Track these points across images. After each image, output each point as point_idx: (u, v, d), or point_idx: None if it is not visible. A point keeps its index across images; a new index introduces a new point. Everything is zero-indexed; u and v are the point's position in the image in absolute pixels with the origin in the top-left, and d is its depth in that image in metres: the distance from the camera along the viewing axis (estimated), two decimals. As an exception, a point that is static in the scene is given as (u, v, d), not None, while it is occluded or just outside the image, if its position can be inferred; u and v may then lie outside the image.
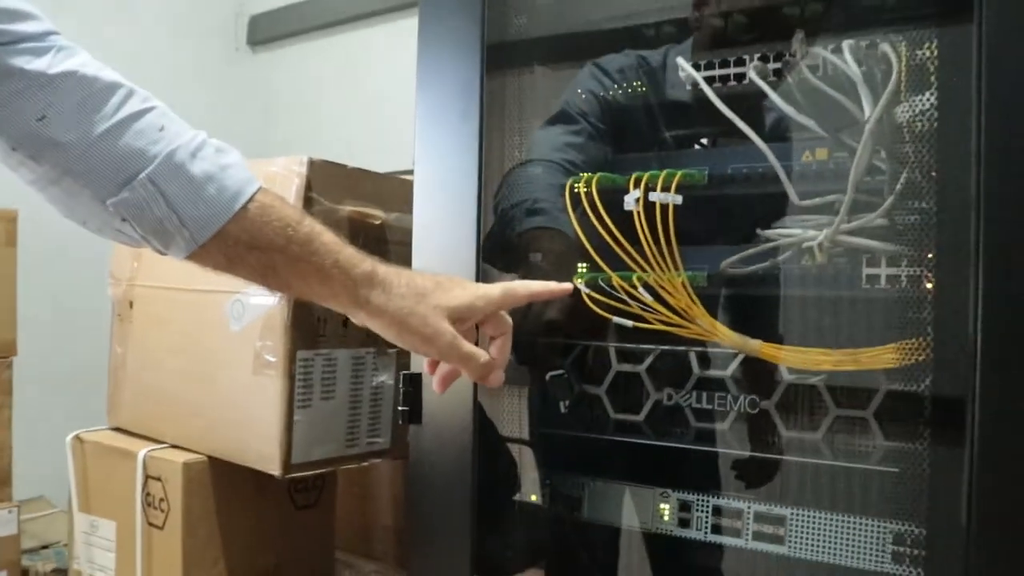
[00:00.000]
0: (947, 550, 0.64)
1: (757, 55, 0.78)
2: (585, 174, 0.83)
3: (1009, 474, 0.59)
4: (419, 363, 0.86)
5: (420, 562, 0.86)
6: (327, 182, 1.15)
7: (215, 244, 0.62)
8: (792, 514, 0.76)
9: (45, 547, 1.61)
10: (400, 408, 0.84)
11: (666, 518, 0.82)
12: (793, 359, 0.74)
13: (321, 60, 2.20)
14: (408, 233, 0.89)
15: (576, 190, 0.83)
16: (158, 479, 1.18)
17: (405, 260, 0.84)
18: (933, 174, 0.68)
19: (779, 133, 0.82)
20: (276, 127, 2.25)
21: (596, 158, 0.90)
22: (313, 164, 1.13)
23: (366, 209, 1.22)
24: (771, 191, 0.78)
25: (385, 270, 0.66)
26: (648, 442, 0.82)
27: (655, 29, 0.91)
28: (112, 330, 1.33)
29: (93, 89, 0.59)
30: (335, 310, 0.67)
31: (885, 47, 0.69)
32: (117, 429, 1.32)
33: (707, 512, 0.80)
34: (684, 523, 0.81)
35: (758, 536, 0.76)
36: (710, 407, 0.79)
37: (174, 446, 1.21)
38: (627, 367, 0.84)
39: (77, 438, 1.29)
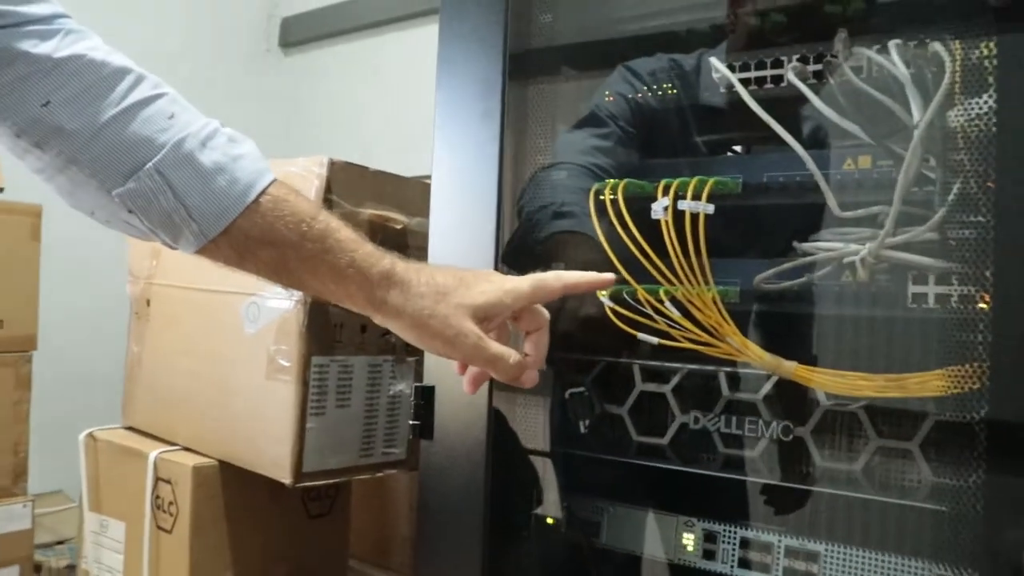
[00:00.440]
0: (999, 600, 0.58)
1: (796, 56, 0.73)
2: (611, 180, 0.79)
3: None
4: (432, 375, 0.82)
5: (429, 583, 0.82)
6: (347, 184, 1.12)
7: (225, 239, 0.58)
8: (827, 550, 0.70)
9: (60, 542, 1.60)
10: (411, 422, 0.80)
11: (690, 549, 0.77)
12: (831, 383, 0.68)
13: (351, 63, 2.18)
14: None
15: (602, 197, 0.79)
16: (168, 482, 1.16)
17: (425, 266, 0.79)
18: (990, 184, 0.62)
19: (819, 139, 0.77)
20: (305, 129, 2.24)
21: (625, 163, 0.86)
22: (333, 165, 1.10)
23: (387, 213, 1.19)
24: (809, 201, 0.72)
25: (404, 268, 0.61)
26: (673, 467, 0.77)
27: (687, 32, 0.86)
28: (129, 328, 1.31)
29: (101, 74, 0.57)
30: (353, 310, 0.63)
31: (937, 46, 0.64)
32: (131, 428, 1.30)
33: (734, 544, 0.75)
34: (709, 555, 0.75)
35: (789, 573, 0.71)
36: (740, 432, 0.74)
37: (186, 448, 1.19)
38: (652, 387, 0.79)
39: (90, 436, 1.27)
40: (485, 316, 0.61)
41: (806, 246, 0.72)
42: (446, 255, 0.81)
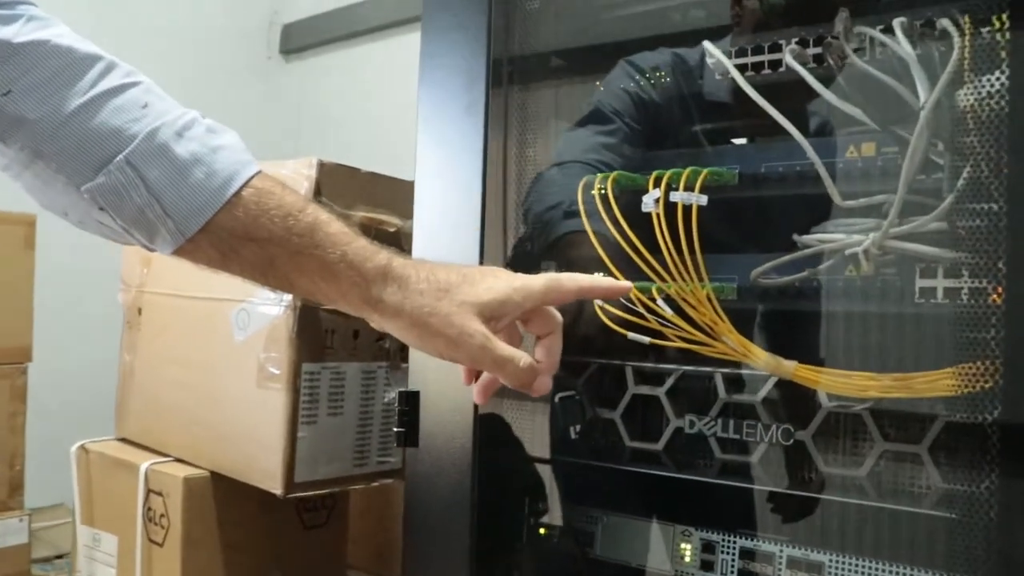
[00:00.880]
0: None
1: (795, 39, 0.69)
2: (601, 174, 0.75)
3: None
4: (417, 380, 0.79)
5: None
6: (338, 186, 1.10)
7: (205, 237, 0.54)
8: (831, 561, 0.66)
9: (60, 556, 1.57)
10: (395, 430, 0.77)
11: (687, 559, 0.73)
12: (833, 384, 0.64)
13: (353, 69, 2.17)
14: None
15: (593, 192, 0.75)
16: (159, 494, 1.13)
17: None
18: (1004, 170, 0.58)
19: (821, 127, 0.73)
20: (307, 135, 2.22)
21: (632, 160, 0.82)
22: (323, 167, 1.08)
23: (380, 216, 1.16)
24: (810, 192, 0.69)
25: (402, 263, 0.56)
26: (668, 474, 0.73)
27: (689, 24, 0.83)
28: (122, 337, 1.29)
29: (66, 61, 0.53)
30: (348, 312, 0.58)
31: (944, 22, 0.60)
32: (124, 440, 1.28)
33: (734, 555, 0.70)
34: (708, 566, 0.71)
35: (792, 585, 0.67)
36: (737, 436, 0.70)
37: (178, 460, 1.17)
38: (645, 389, 0.75)
39: (82, 448, 1.25)
40: (492, 315, 0.56)
41: (806, 238, 0.68)
42: (429, 254, 0.78)
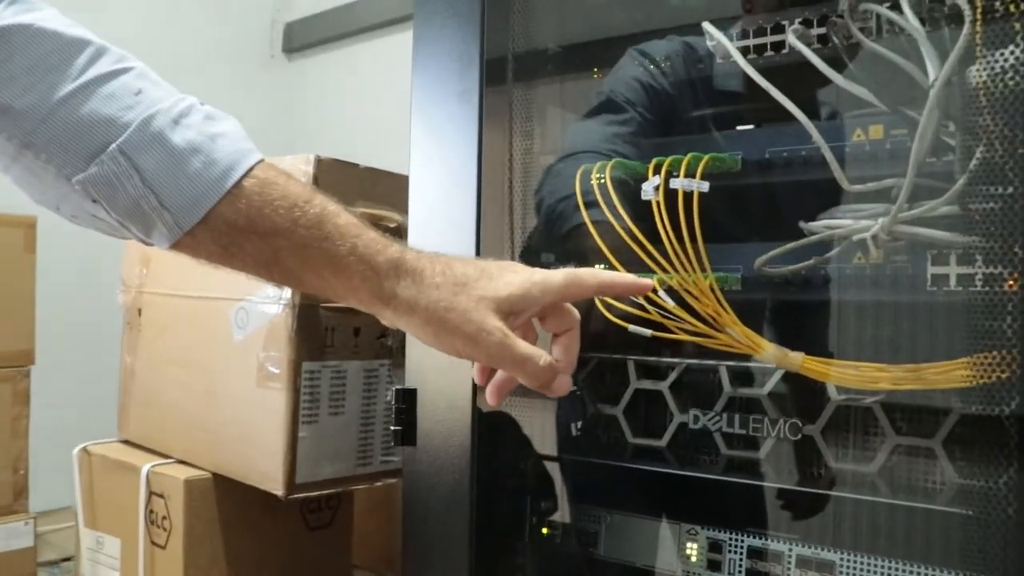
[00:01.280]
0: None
1: (798, 19, 0.67)
2: (598, 162, 0.73)
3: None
4: (414, 377, 0.77)
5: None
6: (337, 182, 1.08)
7: (205, 230, 0.51)
8: (842, 560, 0.64)
9: (66, 559, 1.56)
10: (392, 428, 0.75)
11: (694, 559, 0.70)
12: (843, 376, 0.62)
13: (356, 66, 2.15)
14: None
15: (592, 181, 0.73)
16: (161, 496, 1.12)
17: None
18: (1019, 150, 0.55)
19: (831, 112, 0.70)
20: (310, 133, 2.21)
21: (646, 150, 0.80)
22: (321, 162, 1.06)
23: (380, 211, 1.14)
24: (816, 177, 0.66)
25: (416, 256, 0.53)
26: (672, 471, 0.71)
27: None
28: (122, 338, 1.28)
29: (53, 46, 0.50)
30: (358, 308, 0.55)
31: (954, -4, 0.57)
32: (127, 442, 1.27)
33: (741, 554, 0.68)
34: (715, 566, 0.69)
35: (802, 585, 0.64)
36: (744, 432, 0.68)
37: (180, 461, 1.15)
38: (647, 384, 0.73)
39: (84, 451, 1.24)
40: (511, 311, 0.53)
41: (812, 225, 0.66)
42: (424, 246, 0.76)
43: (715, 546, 0.69)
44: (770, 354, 0.64)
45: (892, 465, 0.62)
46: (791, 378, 0.65)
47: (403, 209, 1.13)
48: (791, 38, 0.66)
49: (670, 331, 0.67)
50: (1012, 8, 0.55)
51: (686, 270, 0.66)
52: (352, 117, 2.14)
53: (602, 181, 0.72)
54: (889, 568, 0.61)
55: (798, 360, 0.63)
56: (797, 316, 0.69)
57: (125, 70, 0.52)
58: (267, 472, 1.04)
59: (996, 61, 0.56)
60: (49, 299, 1.44)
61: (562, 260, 0.82)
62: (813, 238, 0.64)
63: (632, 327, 0.68)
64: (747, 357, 0.66)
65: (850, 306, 0.65)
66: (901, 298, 0.63)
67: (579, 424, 0.74)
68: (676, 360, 0.71)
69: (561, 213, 0.79)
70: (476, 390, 0.72)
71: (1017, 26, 0.55)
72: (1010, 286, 0.57)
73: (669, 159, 0.68)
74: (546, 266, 0.73)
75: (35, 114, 0.49)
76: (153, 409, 1.22)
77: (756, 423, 0.67)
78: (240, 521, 1.13)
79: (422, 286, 0.52)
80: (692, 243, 0.65)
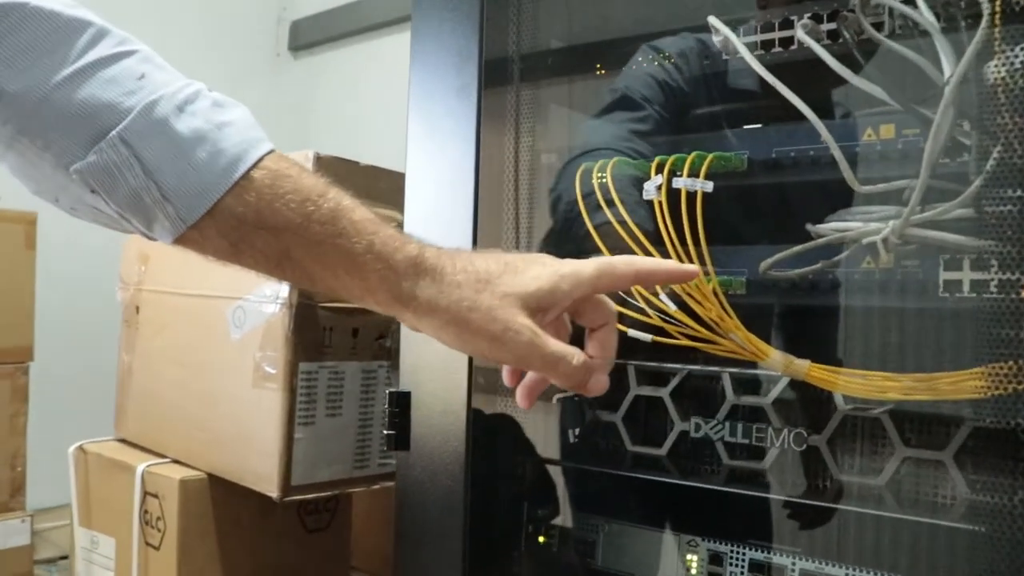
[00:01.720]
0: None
1: (807, 14, 0.65)
2: (599, 161, 0.71)
3: None
4: (408, 379, 0.75)
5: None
6: (337, 179, 1.03)
7: (212, 224, 0.48)
8: (847, 575, 0.61)
9: (64, 558, 1.55)
10: (386, 432, 0.73)
11: (694, 571, 0.68)
12: (850, 385, 0.59)
13: (363, 65, 2.14)
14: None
15: (594, 179, 0.71)
16: (156, 496, 1.10)
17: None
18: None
19: (839, 109, 0.68)
20: (316, 132, 2.20)
21: (663, 149, 0.78)
22: (320, 159, 1.04)
23: (382, 210, 1.11)
24: (825, 178, 0.64)
25: (436, 253, 0.50)
26: (673, 481, 0.69)
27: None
28: (120, 336, 1.27)
29: (50, 26, 0.47)
30: (375, 310, 0.51)
31: (971, -11, 0.55)
32: (123, 441, 1.25)
33: (743, 567, 0.66)
34: (715, 579, 0.67)
35: (805, 601, 0.62)
36: (747, 441, 0.65)
37: (176, 461, 1.14)
38: (648, 390, 0.70)
39: (80, 449, 1.23)
40: (538, 307, 0.49)
41: (820, 228, 0.63)
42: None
43: (716, 558, 0.67)
44: (775, 361, 0.62)
45: (900, 478, 0.60)
46: (797, 386, 0.63)
47: (404, 208, 1.12)
48: (800, 33, 0.64)
49: (671, 336, 0.65)
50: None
51: (688, 273, 0.64)
52: (358, 115, 2.13)
53: (603, 180, 0.70)
54: (896, 585, 0.59)
55: (804, 368, 0.61)
56: (803, 322, 0.66)
57: (128, 53, 0.49)
58: (262, 473, 1.02)
59: (1016, 57, 0.54)
60: (49, 296, 1.43)
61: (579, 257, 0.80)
62: (821, 241, 0.62)
63: (632, 332, 0.66)
64: (751, 364, 0.64)
65: (859, 312, 0.63)
66: (912, 304, 0.60)
67: (577, 431, 0.72)
68: (678, 366, 0.69)
69: (581, 212, 0.77)
70: (471, 393, 0.70)
71: (1037, 20, 0.52)
72: (1027, 293, 0.54)
73: (672, 158, 0.66)
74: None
75: (30, 98, 0.46)
76: (150, 408, 1.21)
77: (760, 432, 0.65)
78: (235, 523, 1.11)
79: (442, 285, 0.49)
80: (695, 245, 0.63)
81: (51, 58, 0.47)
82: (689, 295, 0.64)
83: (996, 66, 0.54)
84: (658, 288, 0.66)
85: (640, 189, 0.70)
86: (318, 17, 2.22)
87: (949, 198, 0.57)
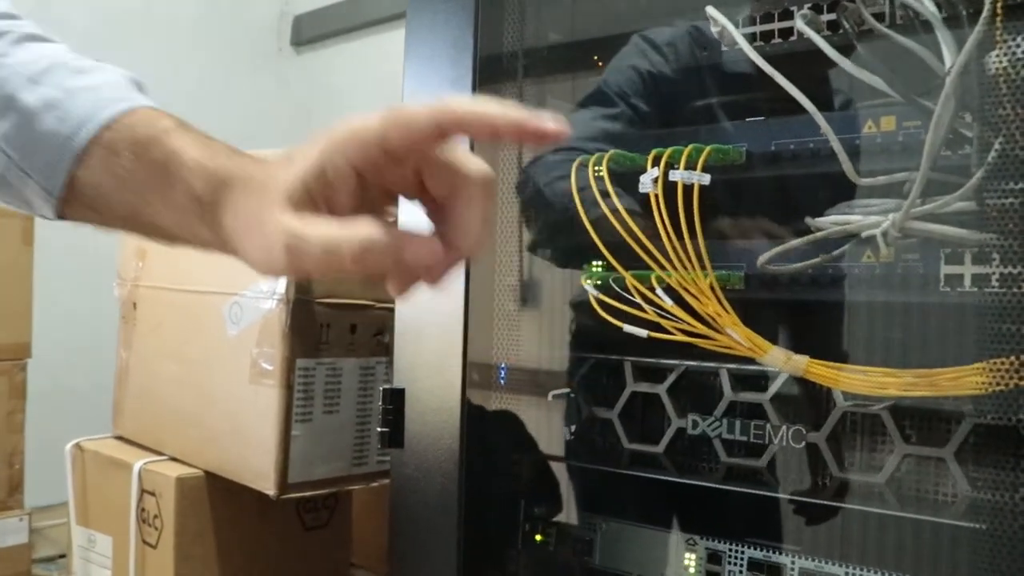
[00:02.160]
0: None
1: (808, 4, 0.64)
2: (595, 154, 0.70)
3: None
4: (403, 376, 0.74)
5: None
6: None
7: (73, 195, 0.44)
8: (847, 574, 0.61)
9: (63, 556, 1.55)
10: (379, 430, 0.72)
11: (692, 570, 0.67)
12: (849, 381, 0.58)
13: (365, 60, 2.13)
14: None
15: (590, 173, 0.70)
16: (153, 494, 1.09)
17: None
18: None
19: (838, 101, 0.67)
20: (318, 127, 2.17)
21: (643, 143, 0.76)
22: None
23: (378, 204, 1.11)
24: (824, 171, 0.63)
25: (239, 167, 0.41)
26: (671, 479, 0.68)
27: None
28: (118, 333, 1.26)
29: None
30: (220, 252, 0.43)
31: (972, -23, 0.54)
32: (121, 438, 1.25)
33: (742, 566, 0.65)
34: (714, 578, 0.66)
35: (804, 601, 0.61)
36: (745, 438, 0.64)
37: (173, 459, 1.13)
38: (644, 387, 0.69)
39: (77, 446, 1.22)
40: (310, 198, 0.37)
41: (819, 221, 0.62)
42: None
43: (714, 557, 0.66)
44: (773, 357, 0.61)
45: (901, 475, 0.59)
46: (795, 383, 0.62)
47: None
48: (800, 23, 0.63)
49: (668, 332, 0.64)
50: (1035, -11, 0.51)
51: (685, 268, 0.63)
52: (361, 110, 2.11)
53: (599, 174, 0.69)
54: (896, 584, 0.58)
55: (802, 364, 0.60)
56: (802, 317, 0.65)
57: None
58: (259, 471, 1.02)
59: (1017, 47, 0.52)
60: (47, 292, 1.43)
61: (564, 253, 0.79)
62: (820, 234, 0.61)
63: (628, 327, 0.65)
64: (749, 360, 0.63)
65: (858, 307, 0.62)
66: (912, 299, 0.59)
67: (573, 428, 0.71)
68: (675, 362, 0.68)
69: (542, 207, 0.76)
70: (465, 390, 0.70)
71: (1040, 8, 0.51)
72: (1029, 287, 0.53)
73: (669, 150, 0.65)
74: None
75: None
76: (147, 405, 1.20)
77: (758, 429, 0.64)
78: (233, 521, 1.10)
79: (229, 211, 0.40)
80: (692, 239, 0.62)
81: None
82: (686, 290, 0.63)
83: (998, 56, 0.53)
84: (654, 283, 0.65)
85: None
86: (320, 12, 2.21)
87: (950, 191, 0.56)
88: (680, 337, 0.63)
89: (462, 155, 0.38)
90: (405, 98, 0.76)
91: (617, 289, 0.66)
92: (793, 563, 0.63)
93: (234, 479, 1.05)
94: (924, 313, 0.59)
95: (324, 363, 1.05)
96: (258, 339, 1.03)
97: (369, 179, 0.38)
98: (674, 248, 0.63)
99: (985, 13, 0.52)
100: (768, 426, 0.63)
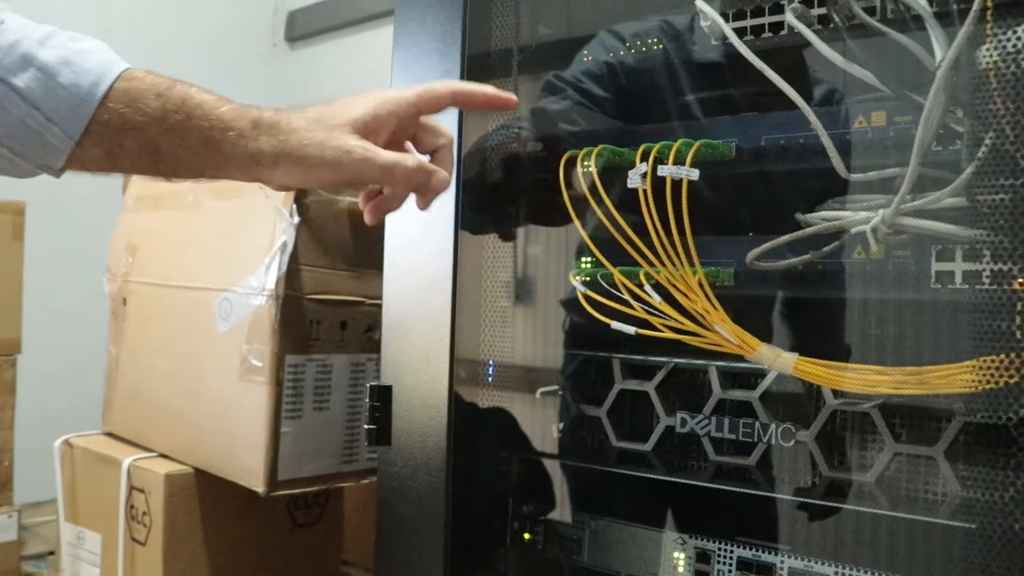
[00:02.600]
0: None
1: (798, -2, 0.63)
2: (585, 148, 0.69)
3: None
4: (389, 373, 0.73)
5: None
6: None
7: (87, 137, 0.52)
8: (837, 573, 0.60)
9: (53, 553, 1.54)
10: (366, 427, 0.71)
11: (680, 570, 0.66)
12: (839, 379, 0.58)
13: (360, 55, 2.13)
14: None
15: (584, 167, 0.69)
16: (142, 491, 1.09)
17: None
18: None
19: (828, 96, 0.66)
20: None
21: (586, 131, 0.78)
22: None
23: (371, 200, 1.10)
24: (814, 166, 0.62)
25: (274, 111, 0.56)
26: (659, 477, 0.67)
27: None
28: (108, 329, 1.25)
29: None
30: (240, 179, 0.56)
31: (963, -30, 0.53)
32: (110, 434, 1.24)
33: (731, 565, 0.64)
34: (702, 577, 0.65)
35: (793, 600, 0.61)
36: (733, 436, 0.64)
37: (163, 456, 1.12)
38: (633, 384, 0.69)
39: (66, 443, 1.21)
40: (367, 130, 0.56)
41: (809, 217, 0.62)
42: (401, 239, 0.72)
43: (703, 556, 0.66)
44: (762, 354, 0.60)
45: (891, 474, 0.58)
46: (784, 380, 0.62)
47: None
48: (790, 17, 0.62)
49: (656, 329, 0.63)
50: (1026, -19, 0.51)
51: (673, 264, 0.62)
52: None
53: (587, 169, 0.68)
54: (886, 584, 0.58)
55: (791, 361, 0.59)
56: (792, 314, 0.65)
57: None
58: (248, 468, 1.01)
59: (1008, 41, 0.52)
60: (37, 287, 1.42)
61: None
62: (809, 230, 0.60)
63: (615, 324, 0.65)
64: (738, 357, 0.62)
65: (848, 304, 0.61)
66: (903, 296, 0.59)
67: (561, 425, 0.70)
68: (663, 360, 0.67)
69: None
70: (452, 387, 0.69)
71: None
72: (1019, 284, 0.53)
73: (658, 145, 0.64)
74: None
75: None
76: (137, 401, 1.19)
77: (747, 427, 0.63)
78: (223, 518, 1.09)
79: (281, 134, 0.54)
80: (680, 235, 0.61)
81: None
82: (674, 287, 0.63)
83: (988, 50, 0.52)
84: (643, 279, 0.65)
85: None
86: (314, 8, 2.21)
87: (940, 186, 0.56)
88: (669, 334, 0.62)
89: (440, 124, 0.61)
90: (395, 63, 0.75)
91: (605, 285, 0.66)
92: (782, 563, 0.62)
93: (223, 476, 1.04)
94: (914, 310, 0.58)
95: (314, 359, 1.05)
96: (248, 335, 1.02)
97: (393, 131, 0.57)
98: (662, 244, 0.62)
99: (976, 7, 0.51)
100: (757, 424, 0.63)
